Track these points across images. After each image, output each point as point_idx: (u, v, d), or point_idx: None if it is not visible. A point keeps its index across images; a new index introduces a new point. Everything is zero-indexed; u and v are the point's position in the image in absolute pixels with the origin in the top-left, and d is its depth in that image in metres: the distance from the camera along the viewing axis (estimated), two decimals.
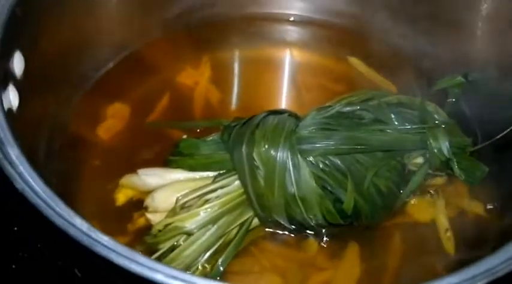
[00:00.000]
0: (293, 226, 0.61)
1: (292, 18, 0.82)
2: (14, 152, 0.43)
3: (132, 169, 0.65)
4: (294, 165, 0.58)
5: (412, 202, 0.65)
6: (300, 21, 0.81)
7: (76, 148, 0.68)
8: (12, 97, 0.52)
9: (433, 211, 0.65)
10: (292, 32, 0.81)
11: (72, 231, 0.37)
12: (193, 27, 0.78)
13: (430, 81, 0.72)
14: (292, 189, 0.58)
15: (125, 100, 0.73)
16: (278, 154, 0.58)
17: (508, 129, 0.62)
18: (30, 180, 0.41)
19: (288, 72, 0.79)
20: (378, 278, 0.61)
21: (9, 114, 0.50)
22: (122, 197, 0.64)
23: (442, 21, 0.71)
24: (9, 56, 0.53)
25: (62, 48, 0.64)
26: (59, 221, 0.37)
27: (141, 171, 0.64)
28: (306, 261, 0.62)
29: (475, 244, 0.63)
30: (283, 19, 0.82)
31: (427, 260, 0.63)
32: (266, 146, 0.58)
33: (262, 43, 0.80)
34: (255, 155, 0.59)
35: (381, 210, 0.62)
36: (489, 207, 0.66)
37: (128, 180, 0.64)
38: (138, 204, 0.64)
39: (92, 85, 0.72)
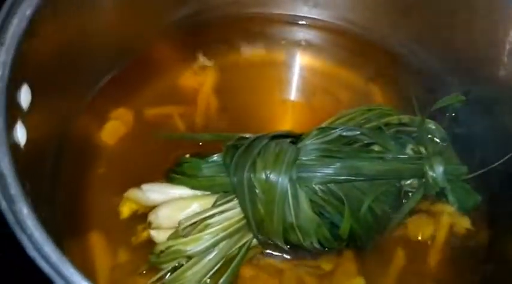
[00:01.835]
0: (289, 247, 0.63)
1: (302, 22, 0.81)
2: (24, 211, 0.45)
3: (137, 178, 0.67)
4: (293, 196, 0.60)
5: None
6: (309, 25, 0.81)
7: (82, 158, 0.70)
8: (19, 135, 0.53)
9: (430, 229, 0.68)
10: (300, 36, 0.81)
11: None
12: (199, 30, 0.78)
13: (435, 97, 0.73)
14: (291, 218, 0.60)
15: (129, 106, 0.74)
16: (278, 184, 0.60)
17: (503, 159, 0.64)
18: (40, 242, 0.43)
19: (293, 76, 0.79)
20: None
21: (15, 153, 0.51)
22: (126, 210, 0.67)
23: (457, 43, 0.71)
24: (16, 92, 0.54)
25: (66, 61, 0.64)
26: None
27: (145, 187, 0.66)
28: (304, 268, 0.65)
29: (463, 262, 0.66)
30: (291, 22, 0.81)
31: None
32: (267, 175, 0.60)
33: (267, 45, 0.80)
34: (255, 183, 0.60)
35: (374, 232, 0.65)
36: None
37: (132, 194, 0.66)
38: (142, 216, 0.66)
39: (96, 93, 0.72)
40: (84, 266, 0.64)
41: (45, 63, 0.59)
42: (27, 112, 0.57)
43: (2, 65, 0.52)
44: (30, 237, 0.44)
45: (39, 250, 0.43)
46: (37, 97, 0.58)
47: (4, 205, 0.44)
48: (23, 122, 0.55)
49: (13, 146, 0.51)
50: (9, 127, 0.51)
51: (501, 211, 0.69)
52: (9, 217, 0.44)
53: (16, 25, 0.53)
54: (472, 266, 0.66)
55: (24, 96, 0.55)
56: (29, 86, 0.56)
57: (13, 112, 0.53)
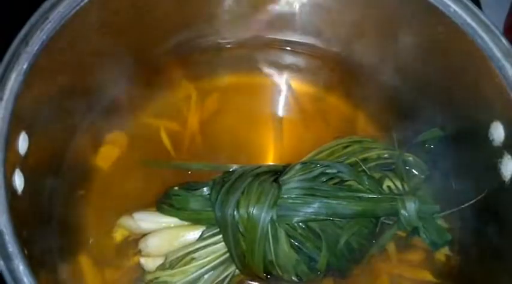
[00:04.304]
0: (270, 277, 0.68)
1: (290, 47, 0.83)
2: (20, 267, 0.49)
3: (129, 202, 0.72)
4: (273, 236, 0.64)
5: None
6: (298, 51, 0.83)
7: (78, 183, 0.74)
8: (18, 182, 0.57)
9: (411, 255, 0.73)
10: (289, 61, 0.83)
11: None
12: (188, 58, 0.80)
13: (416, 129, 0.76)
14: (271, 256, 0.65)
15: (123, 129, 0.78)
16: (259, 224, 0.64)
17: (473, 200, 0.68)
18: None
19: (281, 101, 0.82)
20: None
21: (14, 203, 0.54)
22: (119, 236, 0.71)
23: (440, 78, 0.73)
24: (14, 143, 0.57)
25: (60, 98, 0.67)
26: None
27: (136, 216, 0.70)
28: None
29: None
30: (279, 47, 0.83)
31: None
32: (249, 214, 0.64)
33: (255, 71, 0.83)
34: (239, 221, 0.65)
35: (351, 264, 0.69)
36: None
37: (124, 221, 0.70)
38: (134, 241, 0.71)
39: (91, 120, 0.76)
40: None
41: (40, 107, 0.62)
42: (25, 157, 0.60)
43: (1, 120, 0.55)
44: None
45: None
46: (34, 139, 0.61)
47: (1, 264, 0.48)
48: (21, 168, 0.59)
49: (12, 197, 0.54)
50: (8, 180, 0.55)
51: (472, 239, 0.74)
52: (6, 276, 0.48)
53: (13, 80, 0.56)
54: None
55: (22, 143, 0.59)
56: (26, 133, 0.60)
57: (11, 162, 0.56)
